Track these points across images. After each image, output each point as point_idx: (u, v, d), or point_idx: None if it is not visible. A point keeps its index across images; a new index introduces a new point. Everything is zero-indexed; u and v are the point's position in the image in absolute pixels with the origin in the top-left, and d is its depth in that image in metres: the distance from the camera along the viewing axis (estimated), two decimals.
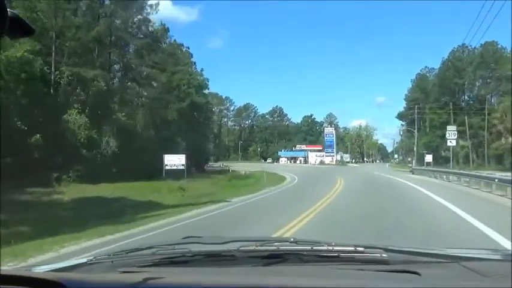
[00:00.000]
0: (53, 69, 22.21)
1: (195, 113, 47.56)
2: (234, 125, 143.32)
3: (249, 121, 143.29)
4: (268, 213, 12.56)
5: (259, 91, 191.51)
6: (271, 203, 16.15)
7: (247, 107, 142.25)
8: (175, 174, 29.39)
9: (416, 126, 64.54)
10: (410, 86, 78.63)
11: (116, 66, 29.85)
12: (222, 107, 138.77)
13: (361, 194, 17.82)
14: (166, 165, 29.10)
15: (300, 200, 16.06)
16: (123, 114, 27.11)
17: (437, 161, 62.51)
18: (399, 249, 1.66)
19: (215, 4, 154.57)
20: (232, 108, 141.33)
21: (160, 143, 34.97)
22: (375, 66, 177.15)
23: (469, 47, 60.99)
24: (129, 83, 31.18)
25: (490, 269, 1.38)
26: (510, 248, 5.68)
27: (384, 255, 1.52)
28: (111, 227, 10.33)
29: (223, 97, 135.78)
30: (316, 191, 19.36)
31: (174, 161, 29.24)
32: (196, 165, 46.07)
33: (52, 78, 22.27)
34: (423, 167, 42.14)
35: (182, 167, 29.22)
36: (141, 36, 31.45)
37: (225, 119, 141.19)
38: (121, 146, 26.40)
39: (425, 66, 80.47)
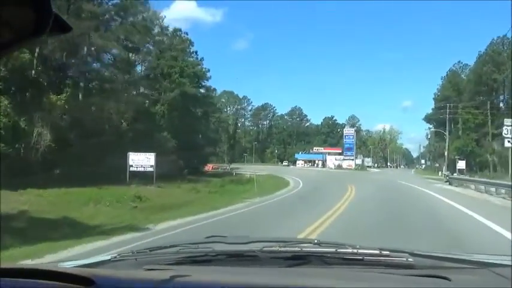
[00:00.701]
0: None
1: (191, 108, 41.43)
2: (252, 126, 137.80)
3: (267, 122, 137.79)
4: None
5: (278, 91, 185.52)
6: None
7: (265, 107, 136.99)
8: (146, 177, 23.38)
9: (447, 128, 56.73)
10: (441, 84, 70.66)
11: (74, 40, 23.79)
12: (238, 107, 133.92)
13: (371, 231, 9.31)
14: (131, 166, 23.11)
15: (275, 227, 9.73)
16: (63, 97, 21.09)
17: (470, 168, 55.07)
18: (426, 253, 1.61)
19: (239, 5, 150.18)
20: (250, 108, 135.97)
21: (137, 139, 28.91)
22: (400, 69, 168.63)
23: (510, 39, 53.11)
24: (87, 61, 25.08)
25: None
26: None
27: (410, 259, 1.49)
28: None
29: (241, 96, 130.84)
30: (308, 211, 12.97)
31: (142, 161, 23.19)
32: (191, 167, 40.05)
33: None
34: (463, 176, 33.08)
35: (151, 169, 23.13)
36: (109, 4, 25.62)
37: (242, 119, 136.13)
38: (63, 140, 20.41)
39: (459, 61, 71.98)
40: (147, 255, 1.74)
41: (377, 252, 1.54)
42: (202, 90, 47.14)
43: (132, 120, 30.90)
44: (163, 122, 37.38)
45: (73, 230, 11.33)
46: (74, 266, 1.58)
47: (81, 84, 25.88)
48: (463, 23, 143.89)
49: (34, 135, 17.88)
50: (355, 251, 1.57)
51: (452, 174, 35.44)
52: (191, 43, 47.06)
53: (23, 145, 17.32)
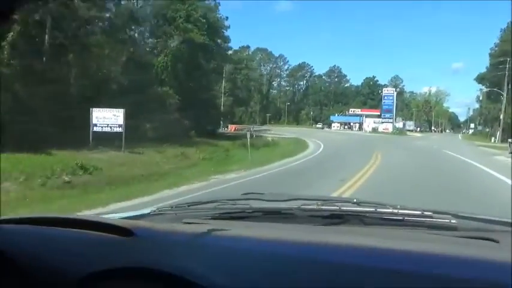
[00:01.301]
0: None
1: (201, 60, 35.93)
2: (287, 86, 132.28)
3: (304, 82, 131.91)
4: None
5: (316, 50, 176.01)
6: None
7: (302, 66, 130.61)
8: (119, 140, 18.41)
9: (505, 87, 48.37)
10: (499, 37, 60.75)
11: None
12: (273, 65, 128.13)
13: None
14: (96, 125, 18.14)
15: None
16: (10, 36, 16.32)
17: None
18: (470, 215, 1.56)
19: None
20: (286, 67, 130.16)
21: (127, 93, 23.95)
22: (451, 29, 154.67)
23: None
24: None
25: None
26: None
27: (454, 221, 1.46)
28: None
29: (277, 55, 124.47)
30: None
31: (109, 119, 18.16)
32: (200, 127, 35.06)
33: None
34: None
35: (119, 130, 18.08)
36: None
37: (278, 79, 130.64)
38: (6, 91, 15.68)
39: None
40: (185, 210, 1.76)
41: (419, 212, 1.50)
42: (219, 41, 41.51)
43: (122, 71, 25.89)
44: (165, 76, 32.21)
45: None
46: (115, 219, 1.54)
47: (47, 23, 20.85)
48: None
49: None
50: (395, 211, 1.53)
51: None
52: None
53: None
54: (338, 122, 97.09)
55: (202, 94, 36.04)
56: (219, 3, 41.12)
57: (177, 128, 29.63)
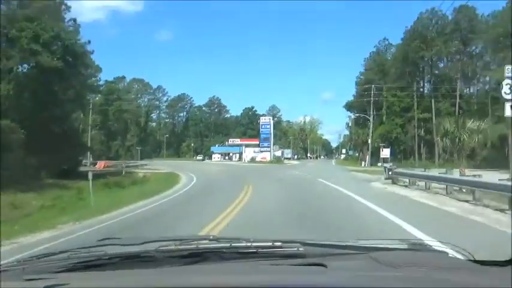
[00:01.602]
0: None
1: (55, 88, 31.27)
2: (167, 118, 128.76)
3: (184, 113, 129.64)
4: None
5: (196, 82, 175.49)
6: None
7: (182, 97, 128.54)
8: None
9: (371, 113, 51.18)
10: (364, 66, 65.14)
11: None
12: (151, 97, 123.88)
13: None
14: None
15: None
16: None
17: (394, 156, 50.40)
18: (316, 242, 1.66)
19: None
20: (165, 99, 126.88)
21: None
22: (320, 59, 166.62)
23: (440, 13, 48.44)
24: None
25: (398, 259, 1.37)
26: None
27: (301, 249, 1.53)
28: None
29: (155, 86, 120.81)
30: None
31: None
32: (54, 167, 30.07)
33: None
34: (414, 171, 21.29)
35: None
36: None
37: (157, 111, 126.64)
38: None
39: (384, 38, 66.28)
40: (35, 264, 1.61)
41: (269, 244, 1.57)
42: (81, 69, 36.92)
43: None
44: (7, 106, 27.07)
45: None
46: None
47: None
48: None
49: None
50: (249, 244, 1.58)
51: (394, 166, 23.57)
52: (67, 7, 36.70)
53: None
54: (219, 153, 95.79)
55: (56, 127, 31.18)
56: (79, 25, 36.93)
57: (20, 169, 24.82)
